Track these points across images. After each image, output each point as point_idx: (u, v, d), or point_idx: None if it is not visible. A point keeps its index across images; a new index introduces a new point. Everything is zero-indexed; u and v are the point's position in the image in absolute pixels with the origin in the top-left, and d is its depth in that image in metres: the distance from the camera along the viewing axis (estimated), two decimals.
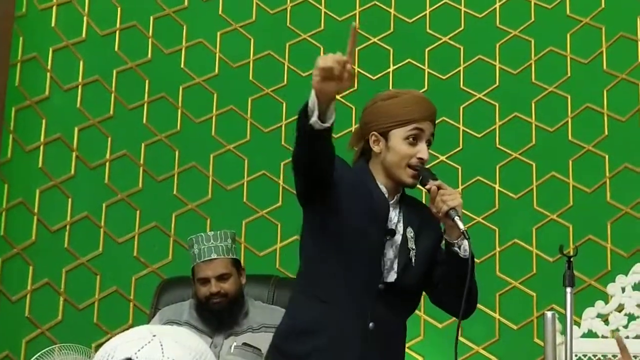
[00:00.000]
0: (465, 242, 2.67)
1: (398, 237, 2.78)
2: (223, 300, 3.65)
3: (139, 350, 1.53)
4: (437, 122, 5.00)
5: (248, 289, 3.80)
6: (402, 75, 5.31)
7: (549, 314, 2.71)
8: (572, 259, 2.68)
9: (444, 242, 2.80)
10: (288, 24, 5.39)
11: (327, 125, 2.48)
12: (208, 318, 3.69)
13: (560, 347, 3.25)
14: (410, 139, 2.76)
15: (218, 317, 3.67)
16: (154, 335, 1.55)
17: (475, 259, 4.89)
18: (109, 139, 5.02)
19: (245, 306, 3.73)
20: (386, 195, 2.81)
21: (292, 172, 2.69)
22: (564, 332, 2.92)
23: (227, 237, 3.76)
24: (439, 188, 2.70)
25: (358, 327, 2.71)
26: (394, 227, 2.78)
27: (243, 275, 3.77)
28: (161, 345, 1.54)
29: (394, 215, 2.80)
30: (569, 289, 2.66)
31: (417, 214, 2.83)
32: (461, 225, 2.64)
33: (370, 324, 2.72)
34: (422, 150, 2.76)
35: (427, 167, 2.80)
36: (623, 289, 4.20)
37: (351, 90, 5.22)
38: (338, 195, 2.69)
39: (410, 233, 2.80)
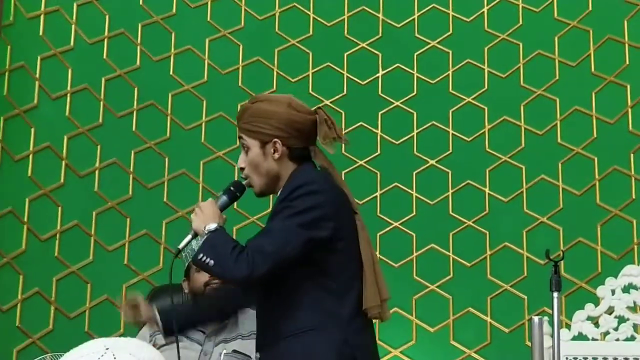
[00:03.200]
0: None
1: None
2: (221, 287, 3.66)
3: None
4: (426, 126, 5.11)
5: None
6: (391, 80, 5.32)
7: (536, 319, 2.71)
8: (558, 264, 2.68)
9: None
10: (276, 30, 5.39)
11: None
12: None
13: (550, 350, 3.26)
14: None
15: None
16: (107, 349, 1.56)
17: (465, 262, 4.92)
18: (99, 147, 5.01)
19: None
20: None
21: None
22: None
23: None
24: None
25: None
26: None
27: None
28: (114, 358, 1.55)
29: None
30: (555, 294, 2.66)
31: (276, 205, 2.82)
32: (182, 243, 2.81)
33: (257, 354, 2.81)
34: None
35: (238, 180, 2.91)
36: (613, 292, 4.19)
37: (341, 95, 5.25)
38: None
39: None
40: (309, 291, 2.71)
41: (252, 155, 2.78)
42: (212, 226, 2.70)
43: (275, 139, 2.76)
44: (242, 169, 2.83)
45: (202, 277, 3.69)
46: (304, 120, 2.80)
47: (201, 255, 2.65)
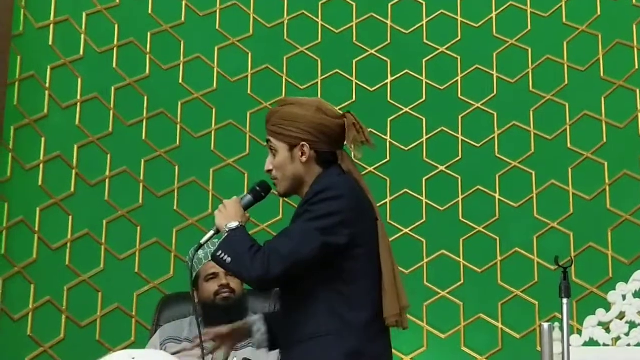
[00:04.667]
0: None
1: None
2: (231, 296, 3.68)
3: None
4: (435, 131, 5.12)
5: (249, 303, 3.80)
6: (399, 86, 5.33)
7: (545, 325, 2.71)
8: (567, 270, 2.67)
9: None
10: (285, 37, 5.40)
11: None
12: (214, 321, 3.67)
13: (560, 356, 3.25)
14: None
15: (226, 313, 3.66)
16: (134, 358, 1.58)
17: (475, 268, 4.90)
18: (109, 155, 5.02)
19: (246, 318, 3.74)
20: None
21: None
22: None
23: None
24: None
25: None
26: None
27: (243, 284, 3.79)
28: None
29: None
30: (565, 300, 2.65)
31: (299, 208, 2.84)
32: (203, 239, 2.87)
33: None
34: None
35: (264, 181, 2.92)
36: (624, 297, 4.18)
37: (350, 101, 5.26)
38: None
39: None
40: (325, 296, 2.72)
41: (280, 158, 2.81)
42: (234, 224, 2.73)
43: (304, 143, 2.78)
44: (269, 171, 2.85)
45: (211, 287, 3.70)
46: (332, 124, 2.81)
47: (220, 252, 2.70)
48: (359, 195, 2.79)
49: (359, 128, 2.81)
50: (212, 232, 2.82)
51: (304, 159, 2.79)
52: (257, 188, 2.89)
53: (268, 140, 2.84)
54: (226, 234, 2.72)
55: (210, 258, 3.69)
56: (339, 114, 2.86)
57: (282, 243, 2.68)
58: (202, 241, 2.85)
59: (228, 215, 2.77)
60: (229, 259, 2.68)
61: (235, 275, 3.02)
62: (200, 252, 3.73)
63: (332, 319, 2.71)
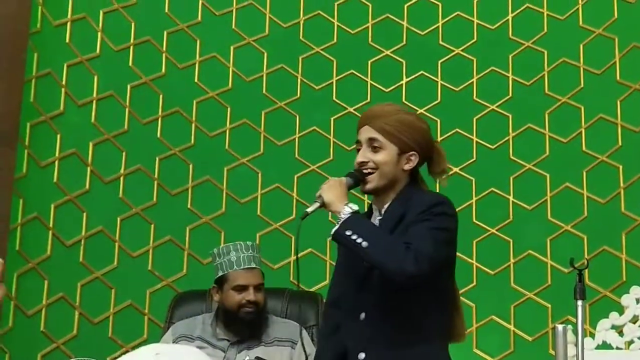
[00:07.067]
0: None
1: None
2: (254, 310, 3.67)
3: None
4: (450, 133, 5.10)
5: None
6: (414, 88, 5.32)
7: (559, 327, 2.70)
8: (583, 272, 2.67)
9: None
10: (301, 38, 5.41)
11: None
12: (233, 329, 3.67)
13: (574, 359, 3.25)
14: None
15: (248, 326, 3.66)
16: (157, 354, 1.59)
17: (488, 270, 4.89)
18: (124, 153, 5.03)
19: (267, 320, 3.74)
20: (377, 211, 2.88)
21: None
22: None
23: (259, 250, 3.80)
24: None
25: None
26: None
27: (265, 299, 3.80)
28: None
29: None
30: (580, 302, 2.65)
31: (394, 215, 2.79)
32: (309, 208, 2.74)
33: (361, 355, 2.75)
34: (358, 156, 2.86)
35: (361, 170, 2.84)
36: (637, 300, 4.18)
37: (364, 102, 5.26)
38: None
39: None
40: (433, 305, 2.78)
41: (386, 157, 2.81)
42: (354, 206, 2.71)
43: (414, 153, 2.83)
44: (362, 163, 2.82)
45: (237, 297, 3.67)
46: (433, 147, 2.90)
47: (349, 232, 2.63)
48: None
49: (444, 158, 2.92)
50: (318, 204, 2.74)
51: (407, 167, 2.84)
52: (357, 174, 2.84)
53: (372, 136, 2.82)
54: (349, 214, 2.67)
55: (246, 265, 3.70)
56: None
57: (422, 244, 2.62)
58: (309, 210, 2.74)
59: (340, 195, 2.73)
60: (364, 243, 2.60)
61: (369, 262, 2.70)
62: (233, 254, 3.72)
63: (438, 330, 2.80)
